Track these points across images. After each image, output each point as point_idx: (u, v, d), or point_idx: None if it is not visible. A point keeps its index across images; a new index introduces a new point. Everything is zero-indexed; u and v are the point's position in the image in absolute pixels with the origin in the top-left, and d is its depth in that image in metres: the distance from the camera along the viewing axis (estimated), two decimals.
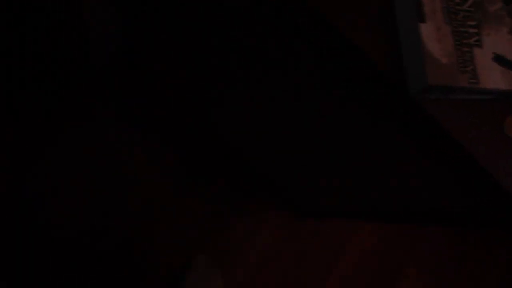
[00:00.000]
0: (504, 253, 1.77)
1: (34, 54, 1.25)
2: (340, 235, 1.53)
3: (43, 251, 1.20)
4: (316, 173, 1.11)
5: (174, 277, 1.26)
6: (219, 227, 1.39)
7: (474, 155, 0.61)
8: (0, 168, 1.20)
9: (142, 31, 1.16)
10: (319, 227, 1.52)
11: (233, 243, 1.40)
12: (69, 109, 1.31)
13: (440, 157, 0.66)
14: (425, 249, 1.65)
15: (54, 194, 1.25)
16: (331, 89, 0.72)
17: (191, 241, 1.35)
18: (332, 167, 1.02)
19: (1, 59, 1.24)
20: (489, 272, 1.73)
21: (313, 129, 0.90)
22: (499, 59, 0.62)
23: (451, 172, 0.71)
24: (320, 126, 0.87)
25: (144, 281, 1.26)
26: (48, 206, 1.23)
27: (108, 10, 1.20)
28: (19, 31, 1.24)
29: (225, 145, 1.44)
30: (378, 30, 0.59)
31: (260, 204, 1.46)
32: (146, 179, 1.34)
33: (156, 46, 1.17)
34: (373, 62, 0.56)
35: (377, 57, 0.56)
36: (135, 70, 1.38)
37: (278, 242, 1.46)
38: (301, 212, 1.49)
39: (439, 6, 0.60)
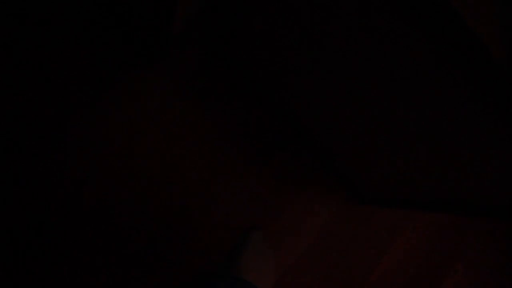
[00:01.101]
0: None
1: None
2: (392, 225, 1.53)
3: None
4: (387, 157, 1.11)
5: (230, 253, 1.31)
6: (275, 205, 1.42)
7: None
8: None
9: None
10: (373, 215, 1.53)
11: (287, 223, 1.42)
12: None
13: None
14: (476, 247, 1.63)
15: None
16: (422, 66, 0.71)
17: (246, 217, 1.38)
18: (405, 150, 1.01)
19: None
20: None
21: (393, 108, 0.89)
22: None
23: None
24: (401, 105, 0.86)
25: (197, 254, 1.31)
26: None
27: None
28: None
29: (291, 119, 1.46)
30: None
31: (318, 185, 1.47)
32: (205, 151, 1.38)
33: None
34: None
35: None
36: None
37: (331, 226, 1.48)
38: (359, 198, 1.50)
39: None
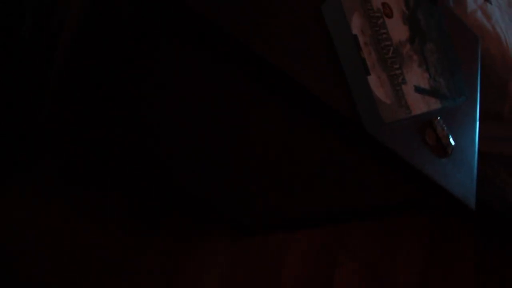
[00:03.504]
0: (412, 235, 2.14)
1: None
2: (279, 248, 1.74)
3: None
4: (257, 195, 1.35)
5: None
6: (170, 267, 1.52)
7: (405, 157, 0.86)
8: None
9: None
10: (260, 246, 1.70)
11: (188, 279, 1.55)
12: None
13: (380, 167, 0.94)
14: (353, 244, 1.95)
15: None
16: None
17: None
18: (273, 186, 1.26)
19: None
20: (406, 252, 2.09)
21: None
22: (418, 90, 0.88)
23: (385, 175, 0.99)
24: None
25: None
26: None
27: None
28: None
29: (159, 183, 1.55)
30: (331, 82, 0.82)
31: (205, 235, 1.60)
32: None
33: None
34: (336, 110, 0.78)
35: (339, 105, 0.79)
36: None
37: (228, 268, 1.62)
38: (243, 233, 1.67)
39: (375, 58, 0.83)
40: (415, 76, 0.90)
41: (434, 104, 0.92)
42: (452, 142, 0.99)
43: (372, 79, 0.81)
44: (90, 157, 1.46)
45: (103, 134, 1.34)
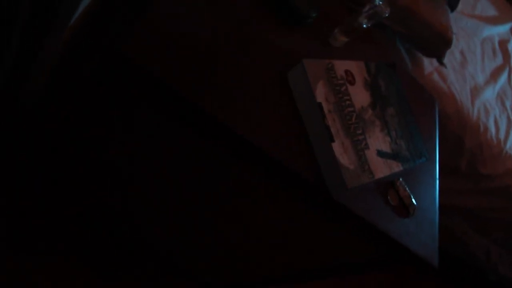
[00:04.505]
0: None
1: None
2: None
3: None
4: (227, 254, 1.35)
5: None
6: None
7: (370, 219, 0.89)
8: None
9: None
10: None
11: None
12: None
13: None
14: None
15: None
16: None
17: None
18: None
19: None
20: None
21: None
22: (381, 154, 0.91)
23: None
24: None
25: None
26: None
27: None
28: None
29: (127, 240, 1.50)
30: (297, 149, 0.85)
31: None
32: None
33: None
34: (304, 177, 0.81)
35: (305, 173, 0.82)
36: None
37: None
38: None
39: (339, 125, 0.87)
40: (378, 141, 0.95)
41: (396, 167, 0.96)
42: (414, 202, 1.03)
43: (336, 146, 0.85)
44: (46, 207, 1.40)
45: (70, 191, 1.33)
